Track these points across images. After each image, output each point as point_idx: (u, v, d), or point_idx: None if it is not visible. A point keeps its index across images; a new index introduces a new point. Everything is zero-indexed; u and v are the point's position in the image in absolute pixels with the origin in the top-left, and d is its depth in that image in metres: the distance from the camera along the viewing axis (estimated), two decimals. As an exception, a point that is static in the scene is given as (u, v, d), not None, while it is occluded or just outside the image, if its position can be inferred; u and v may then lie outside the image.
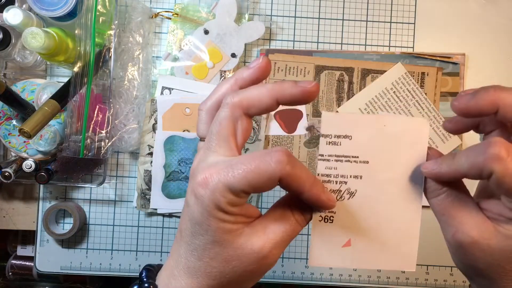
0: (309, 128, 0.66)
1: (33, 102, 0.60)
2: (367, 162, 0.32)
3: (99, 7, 0.58)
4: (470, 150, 0.28)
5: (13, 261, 0.73)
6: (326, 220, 0.33)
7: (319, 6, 0.67)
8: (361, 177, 0.32)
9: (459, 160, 0.29)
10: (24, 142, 0.61)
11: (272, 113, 0.66)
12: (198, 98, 0.64)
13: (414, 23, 0.67)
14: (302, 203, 0.32)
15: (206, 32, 0.64)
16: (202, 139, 0.34)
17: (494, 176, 0.27)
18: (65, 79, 0.63)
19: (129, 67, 0.63)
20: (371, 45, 0.67)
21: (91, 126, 0.60)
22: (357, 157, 0.32)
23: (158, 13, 0.65)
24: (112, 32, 0.60)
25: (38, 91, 0.60)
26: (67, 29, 0.59)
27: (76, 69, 0.58)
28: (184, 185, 0.65)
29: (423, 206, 0.33)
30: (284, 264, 0.66)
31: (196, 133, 0.65)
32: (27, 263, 0.72)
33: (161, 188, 0.65)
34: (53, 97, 0.56)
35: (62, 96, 0.56)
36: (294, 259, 0.66)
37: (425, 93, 0.65)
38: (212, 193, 0.29)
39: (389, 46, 0.67)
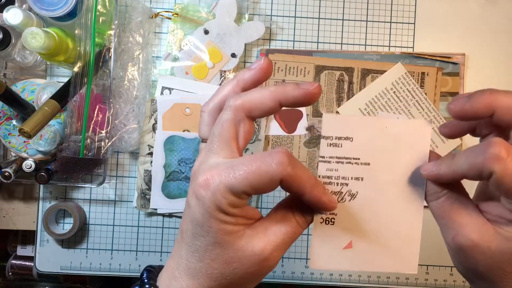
0: (309, 128, 0.66)
1: (33, 102, 0.60)
2: (368, 164, 0.32)
3: (99, 7, 0.58)
4: (470, 150, 0.28)
5: (13, 261, 0.73)
6: (327, 222, 0.33)
7: (319, 6, 0.67)
8: (362, 179, 0.32)
9: (458, 160, 0.29)
10: (24, 142, 0.61)
11: (272, 113, 0.66)
12: (198, 98, 0.64)
13: (414, 23, 0.67)
14: (303, 205, 0.31)
15: (206, 32, 0.64)
16: (204, 140, 0.34)
17: (494, 177, 0.27)
18: (65, 79, 0.63)
19: (129, 67, 0.63)
20: (371, 45, 0.67)
21: (91, 126, 0.60)
22: (358, 158, 0.32)
23: (158, 13, 0.65)
24: (112, 32, 0.60)
25: (38, 91, 0.60)
26: (67, 29, 0.59)
27: (76, 69, 0.58)
28: (184, 185, 0.65)
29: (423, 207, 0.33)
30: (284, 264, 0.66)
31: (196, 133, 0.65)
32: (27, 263, 0.72)
33: (161, 188, 0.65)
34: (53, 97, 0.56)
35: (62, 96, 0.56)
36: (294, 259, 0.66)
37: (425, 93, 0.65)
38: (213, 194, 0.29)
39: (389, 46, 0.67)
